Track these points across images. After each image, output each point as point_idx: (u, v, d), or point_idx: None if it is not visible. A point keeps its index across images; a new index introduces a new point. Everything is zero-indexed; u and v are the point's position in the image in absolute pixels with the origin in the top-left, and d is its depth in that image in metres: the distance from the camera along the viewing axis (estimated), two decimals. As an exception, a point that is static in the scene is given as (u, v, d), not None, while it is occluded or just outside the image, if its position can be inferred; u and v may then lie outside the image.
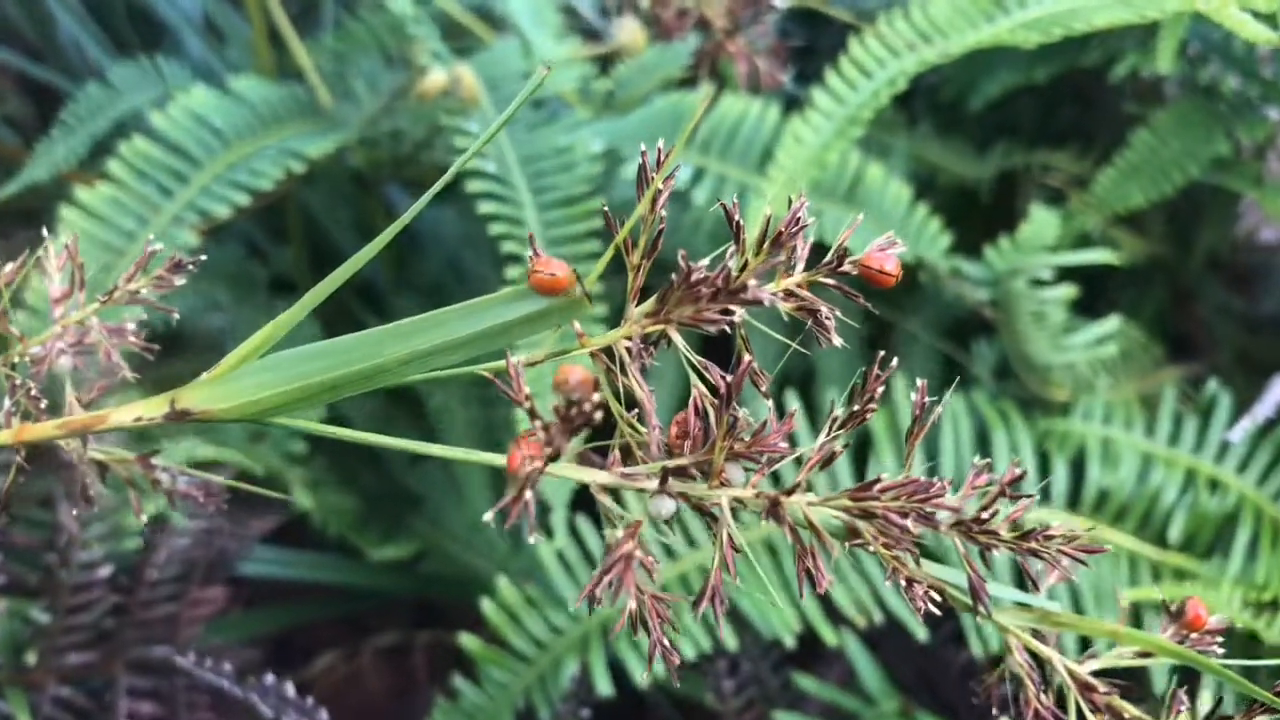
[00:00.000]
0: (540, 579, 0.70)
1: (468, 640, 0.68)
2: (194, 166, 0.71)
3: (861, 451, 0.74)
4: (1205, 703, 0.30)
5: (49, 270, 0.34)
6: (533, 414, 0.25)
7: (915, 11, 0.73)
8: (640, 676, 0.65)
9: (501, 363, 0.27)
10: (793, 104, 0.78)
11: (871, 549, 0.27)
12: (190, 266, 0.34)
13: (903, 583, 0.27)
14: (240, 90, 0.76)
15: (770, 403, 0.29)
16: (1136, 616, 0.67)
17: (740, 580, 0.26)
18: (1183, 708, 0.29)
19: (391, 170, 0.85)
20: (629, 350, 0.27)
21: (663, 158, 0.27)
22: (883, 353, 0.29)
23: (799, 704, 0.72)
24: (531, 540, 0.25)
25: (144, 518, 0.35)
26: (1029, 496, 0.29)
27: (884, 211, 0.78)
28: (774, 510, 0.27)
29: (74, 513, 0.63)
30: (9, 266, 0.34)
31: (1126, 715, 0.29)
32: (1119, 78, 0.83)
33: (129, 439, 0.61)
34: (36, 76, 0.99)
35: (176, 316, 0.35)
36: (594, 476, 0.27)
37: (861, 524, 0.27)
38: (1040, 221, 0.78)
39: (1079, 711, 0.29)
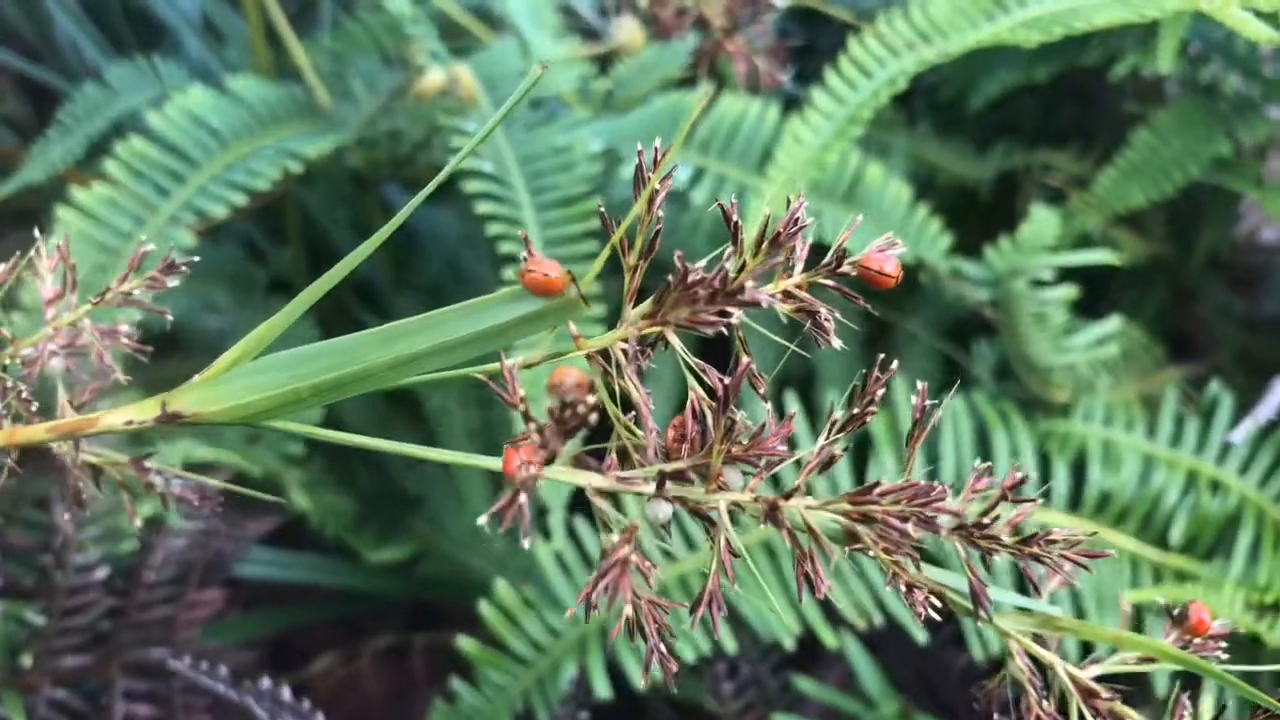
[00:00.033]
0: (538, 581, 0.69)
1: (465, 643, 0.68)
2: (191, 167, 0.71)
3: (861, 453, 0.74)
4: (1207, 707, 0.30)
5: (41, 271, 0.34)
6: (527, 416, 0.25)
7: (915, 11, 0.72)
8: (638, 681, 0.65)
9: (497, 365, 0.27)
10: (792, 104, 0.78)
11: (871, 554, 0.27)
12: (184, 267, 0.34)
13: (903, 588, 0.27)
14: (238, 90, 0.75)
15: (769, 405, 0.28)
16: (1138, 619, 0.66)
17: (739, 584, 0.26)
18: (1185, 713, 0.29)
19: (390, 170, 0.85)
20: (625, 352, 0.27)
21: (660, 157, 0.27)
22: (883, 355, 0.28)
23: (798, 706, 0.72)
24: (526, 544, 0.25)
25: (138, 521, 0.35)
26: (1031, 501, 0.28)
27: (883, 212, 0.77)
28: (772, 514, 0.27)
29: (68, 515, 0.62)
30: (1, 268, 0.34)
31: (1129, 721, 0.29)
32: (1119, 77, 0.82)
33: (126, 440, 0.61)
34: (34, 76, 0.99)
35: (170, 318, 0.35)
36: (590, 480, 0.27)
37: (861, 528, 0.27)
38: (1040, 221, 0.77)
39: (1081, 717, 0.29)
